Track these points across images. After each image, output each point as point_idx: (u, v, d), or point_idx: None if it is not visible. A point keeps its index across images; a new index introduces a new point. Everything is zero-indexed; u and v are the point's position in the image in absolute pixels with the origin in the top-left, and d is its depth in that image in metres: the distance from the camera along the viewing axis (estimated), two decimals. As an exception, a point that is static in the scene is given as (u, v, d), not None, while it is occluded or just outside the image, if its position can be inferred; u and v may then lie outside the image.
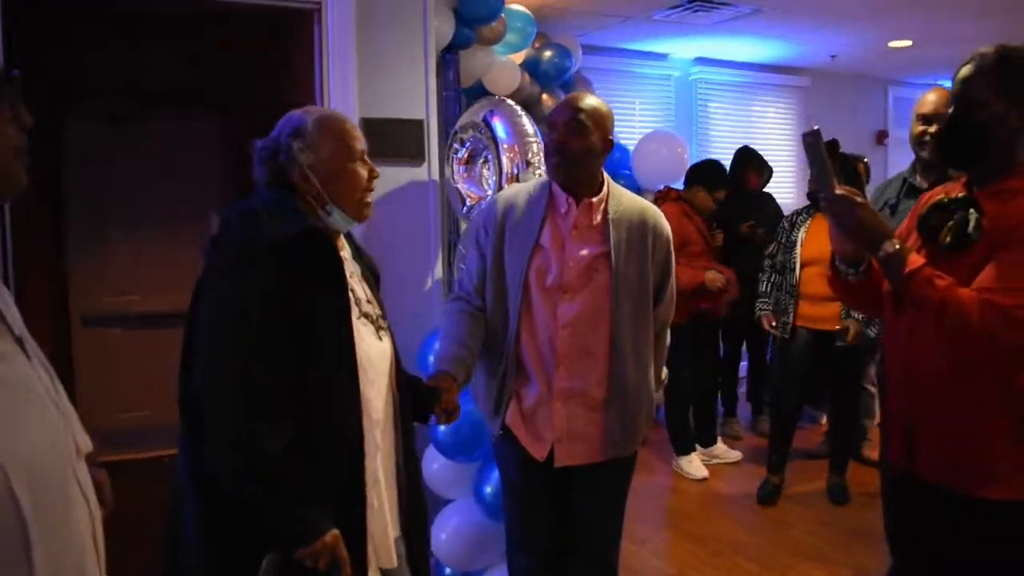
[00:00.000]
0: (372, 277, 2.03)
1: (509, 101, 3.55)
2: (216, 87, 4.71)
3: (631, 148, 5.71)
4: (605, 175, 2.45)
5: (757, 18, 5.76)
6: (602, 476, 2.44)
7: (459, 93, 4.23)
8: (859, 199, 1.83)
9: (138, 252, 5.02)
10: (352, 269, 1.93)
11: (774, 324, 4.52)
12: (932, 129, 2.91)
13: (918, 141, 2.97)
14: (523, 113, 3.38)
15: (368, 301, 1.93)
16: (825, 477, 4.60)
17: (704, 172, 5.01)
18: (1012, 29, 6.06)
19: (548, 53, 4.90)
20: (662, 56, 6.98)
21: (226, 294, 1.70)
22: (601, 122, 2.36)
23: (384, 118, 3.30)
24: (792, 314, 4.37)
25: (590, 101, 2.39)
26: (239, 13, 3.38)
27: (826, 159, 1.86)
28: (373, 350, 1.86)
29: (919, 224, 1.94)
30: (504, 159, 3.18)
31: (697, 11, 5.51)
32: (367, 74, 3.31)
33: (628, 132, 6.26)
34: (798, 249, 4.37)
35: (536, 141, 3.24)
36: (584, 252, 2.35)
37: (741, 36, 6.34)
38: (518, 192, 2.49)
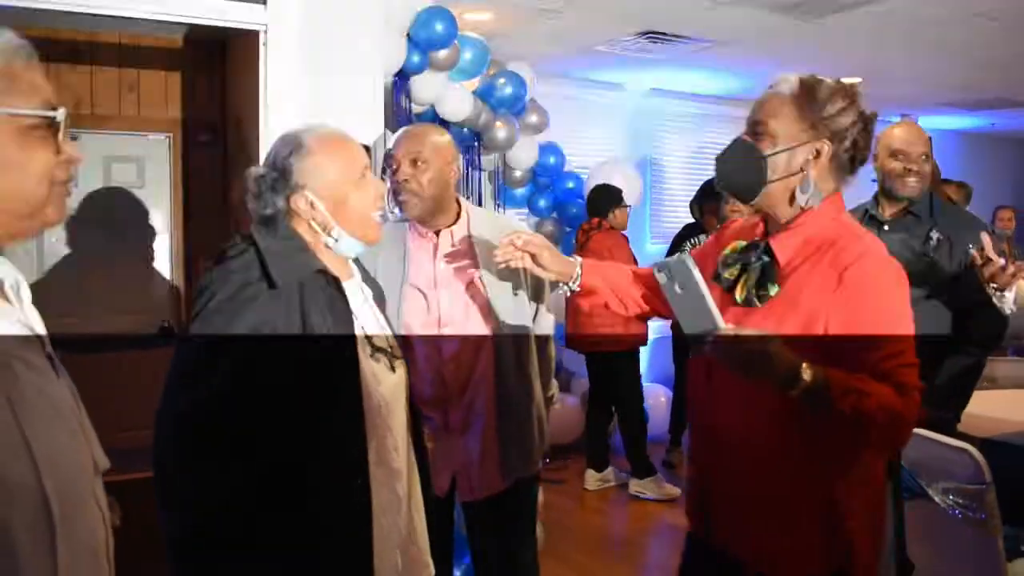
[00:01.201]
0: (380, 297, 1.91)
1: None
2: (162, 107, 4.66)
3: (585, 177, 5.72)
4: (461, 201, 2.42)
5: (711, 52, 5.82)
6: (506, 503, 2.41)
7: (410, 119, 4.19)
8: (758, 333, 1.52)
9: (78, 274, 4.89)
10: (365, 295, 1.80)
11: None
12: (912, 166, 2.85)
13: (890, 175, 2.89)
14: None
15: (384, 325, 1.81)
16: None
17: (608, 195, 5.07)
18: (959, 66, 6.20)
19: (502, 80, 4.89)
20: (618, 86, 7.01)
21: (211, 331, 1.53)
22: (442, 151, 2.31)
23: (329, 142, 3.24)
24: None
25: (429, 135, 2.34)
26: (184, 33, 3.32)
27: (703, 290, 1.46)
28: (388, 390, 1.70)
29: (716, 276, 1.76)
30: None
31: (652, 42, 5.54)
32: (313, 97, 3.25)
33: (582, 162, 6.26)
34: None
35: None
36: (456, 281, 2.33)
37: (695, 68, 6.40)
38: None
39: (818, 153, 1.67)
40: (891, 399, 1.53)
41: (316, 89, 3.25)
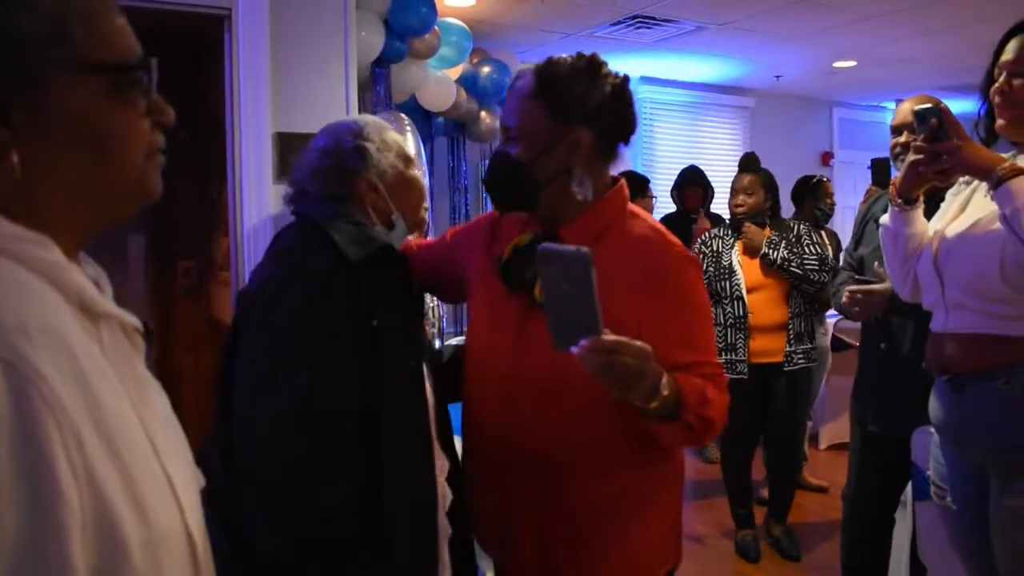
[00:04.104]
0: None
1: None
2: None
3: (574, 168, 5.56)
4: None
5: (701, 36, 5.67)
6: None
7: (391, 108, 4.03)
8: (640, 345, 1.29)
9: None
10: None
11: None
12: (901, 139, 2.73)
13: (892, 155, 2.80)
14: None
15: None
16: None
17: (633, 183, 4.73)
18: (955, 49, 6.04)
19: (486, 69, 4.74)
20: (607, 75, 6.84)
21: (294, 321, 1.43)
22: None
23: (300, 133, 3.07)
24: (745, 350, 3.75)
25: None
26: (144, 20, 3.13)
27: (594, 292, 1.21)
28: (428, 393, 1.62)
29: (503, 272, 1.59)
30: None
31: (639, 28, 5.38)
32: (282, 86, 3.08)
33: (572, 152, 6.11)
34: (740, 276, 3.80)
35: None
36: None
37: (686, 54, 6.25)
38: None
39: (577, 143, 1.52)
40: (724, 402, 1.50)
41: (284, 77, 3.08)
